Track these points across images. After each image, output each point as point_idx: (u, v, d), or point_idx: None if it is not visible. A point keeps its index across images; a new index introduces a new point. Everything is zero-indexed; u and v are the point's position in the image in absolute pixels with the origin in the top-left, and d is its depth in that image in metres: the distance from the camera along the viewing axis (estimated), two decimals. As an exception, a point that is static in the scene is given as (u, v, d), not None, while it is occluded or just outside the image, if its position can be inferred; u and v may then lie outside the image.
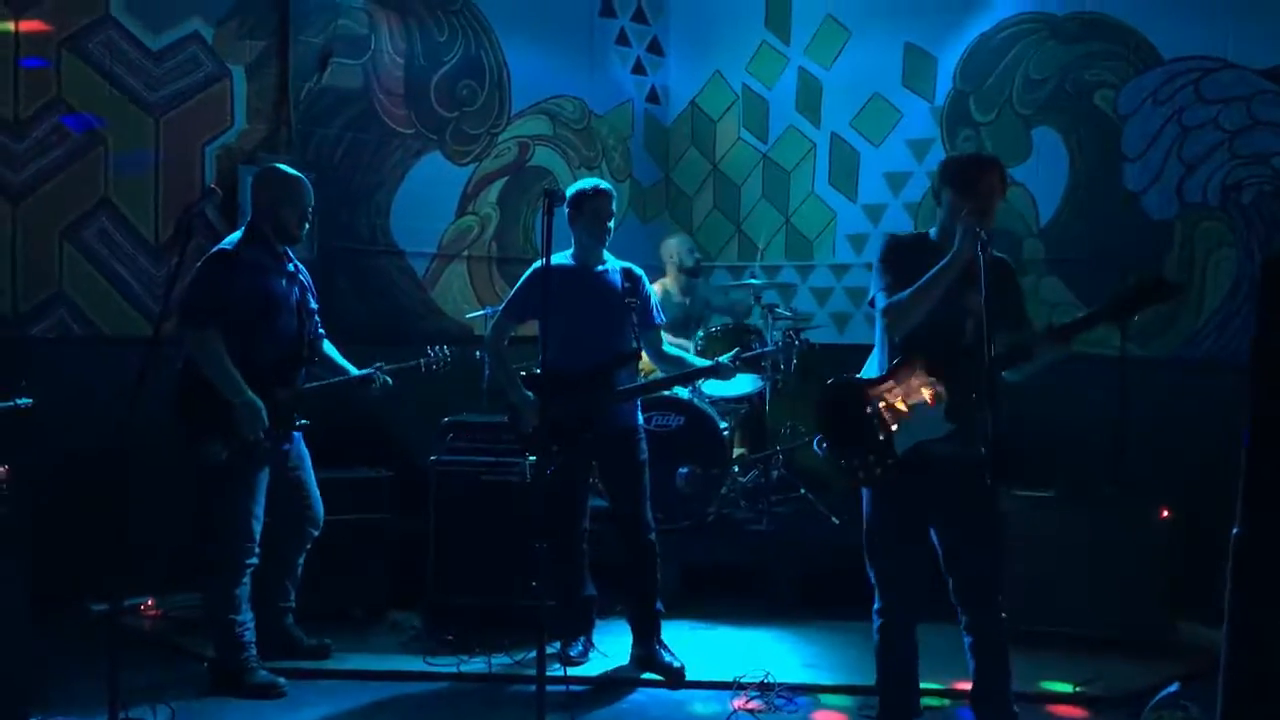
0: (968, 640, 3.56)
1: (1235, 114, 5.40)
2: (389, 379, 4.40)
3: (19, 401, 3.14)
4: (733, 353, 4.57)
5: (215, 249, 4.19)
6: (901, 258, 3.50)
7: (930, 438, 3.39)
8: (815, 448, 3.58)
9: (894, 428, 3.41)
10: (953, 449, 3.36)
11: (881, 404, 3.43)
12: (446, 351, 4.47)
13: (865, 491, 3.58)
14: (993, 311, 3.19)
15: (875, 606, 3.65)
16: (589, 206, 4.48)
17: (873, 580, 3.64)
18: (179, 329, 4.12)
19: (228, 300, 4.04)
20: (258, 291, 4.11)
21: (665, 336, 6.06)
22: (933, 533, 3.54)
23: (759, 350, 5.04)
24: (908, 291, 3.40)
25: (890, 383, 3.46)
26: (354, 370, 4.48)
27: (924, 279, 3.38)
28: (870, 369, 3.63)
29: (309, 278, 4.45)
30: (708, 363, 4.62)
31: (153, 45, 5.45)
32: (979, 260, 3.23)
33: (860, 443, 3.45)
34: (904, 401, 3.41)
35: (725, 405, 6.21)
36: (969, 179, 3.45)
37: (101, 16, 5.29)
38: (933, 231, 3.57)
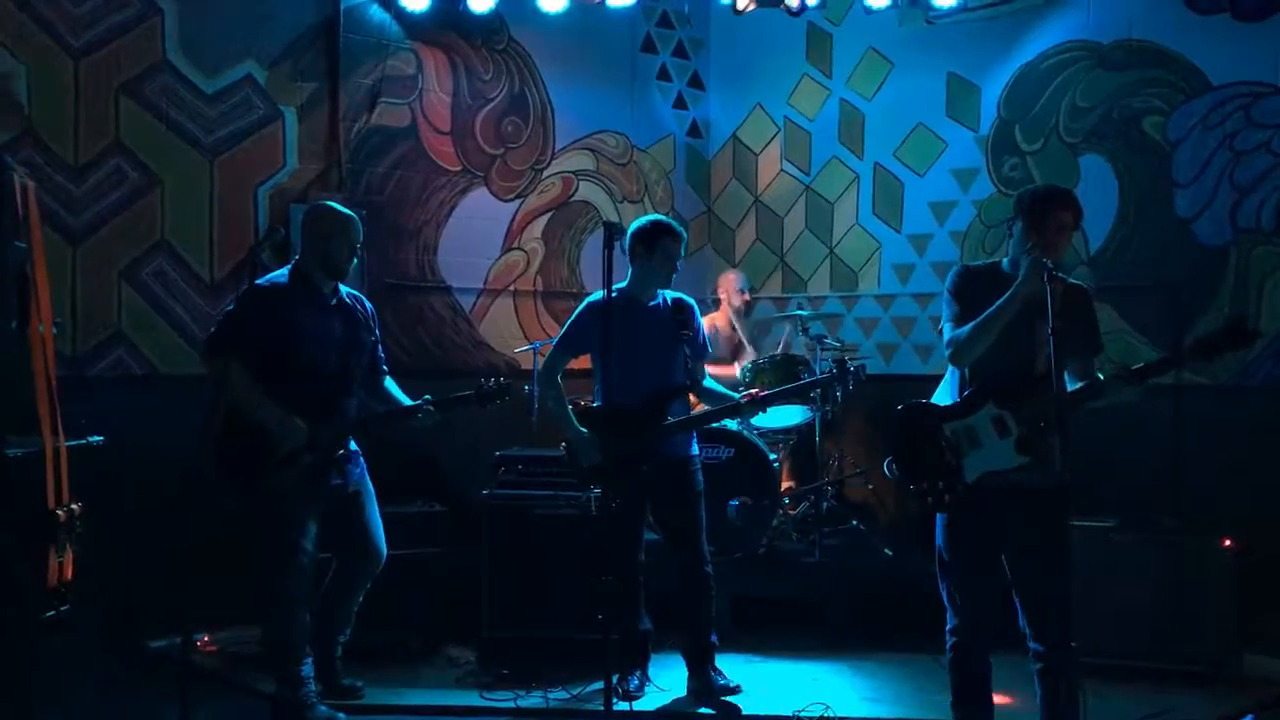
0: (1036, 667, 3.53)
1: (1288, 138, 5.37)
2: (433, 409, 4.37)
3: (91, 439, 3.18)
4: (749, 393, 4.56)
5: (248, 285, 4.26)
6: (970, 289, 3.52)
7: (999, 469, 3.38)
8: (886, 470, 3.60)
9: (964, 455, 3.43)
10: (1023, 478, 3.35)
11: (952, 431, 3.44)
12: (502, 380, 4.45)
13: (938, 517, 3.58)
14: (1062, 343, 3.18)
15: (948, 627, 3.63)
16: (662, 247, 4.49)
17: (945, 601, 3.62)
18: (202, 361, 4.18)
19: (251, 333, 4.09)
20: (286, 325, 4.15)
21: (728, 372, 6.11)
22: (1004, 559, 3.51)
23: (809, 379, 5.01)
24: (971, 324, 3.43)
25: (962, 410, 3.46)
26: (407, 402, 4.49)
27: (986, 313, 3.41)
28: (942, 395, 3.64)
29: (368, 310, 4.48)
30: (734, 397, 4.60)
31: (207, 89, 5.56)
32: (1046, 293, 3.22)
33: (931, 468, 3.47)
34: (975, 430, 3.42)
35: (774, 437, 6.19)
36: (1038, 212, 3.45)
37: (158, 61, 5.41)
38: (1005, 262, 3.56)
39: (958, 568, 3.55)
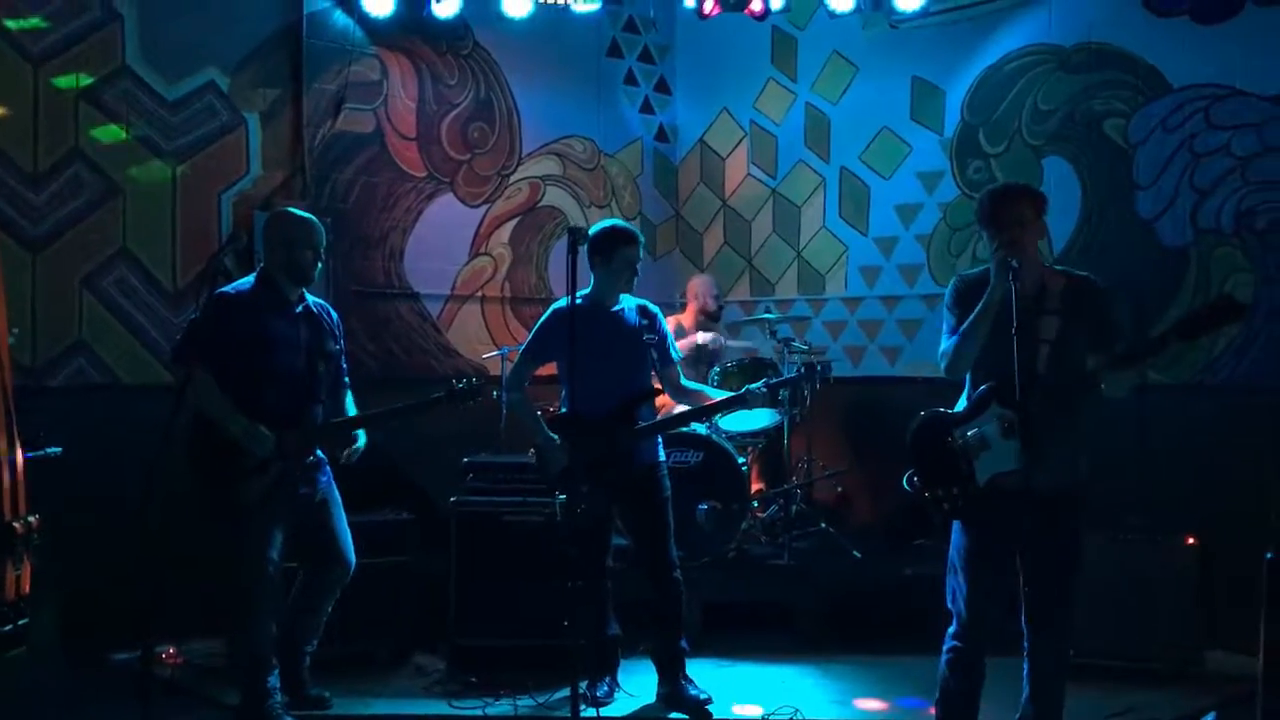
0: (1028, 665, 3.57)
1: (1246, 140, 5.42)
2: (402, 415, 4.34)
3: (49, 450, 3.14)
4: (762, 381, 4.55)
5: (214, 292, 4.23)
6: (965, 297, 3.57)
7: (1006, 470, 3.41)
8: (905, 484, 3.62)
9: (975, 459, 3.47)
10: (1028, 479, 3.34)
11: (962, 436, 3.49)
12: (473, 380, 4.42)
13: (955, 522, 3.60)
14: (1077, 335, 3.35)
15: (950, 630, 3.64)
16: (622, 255, 4.49)
17: (949, 604, 3.64)
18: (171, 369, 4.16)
19: (218, 341, 4.06)
20: (252, 332, 4.13)
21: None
22: (1016, 559, 3.55)
23: (783, 379, 5.02)
24: (954, 337, 3.48)
25: (970, 415, 3.51)
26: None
27: (966, 322, 3.46)
28: (961, 402, 3.67)
29: (333, 319, 4.45)
30: (729, 394, 4.60)
31: (169, 95, 5.51)
32: (1011, 293, 3.26)
33: (947, 475, 3.51)
34: (984, 433, 3.46)
35: (743, 440, 6.20)
36: (995, 212, 3.48)
37: (118, 67, 5.35)
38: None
39: (969, 572, 3.57)
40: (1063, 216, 5.99)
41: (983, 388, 3.52)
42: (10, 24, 5.02)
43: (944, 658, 3.65)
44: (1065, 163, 6.06)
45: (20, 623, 2.88)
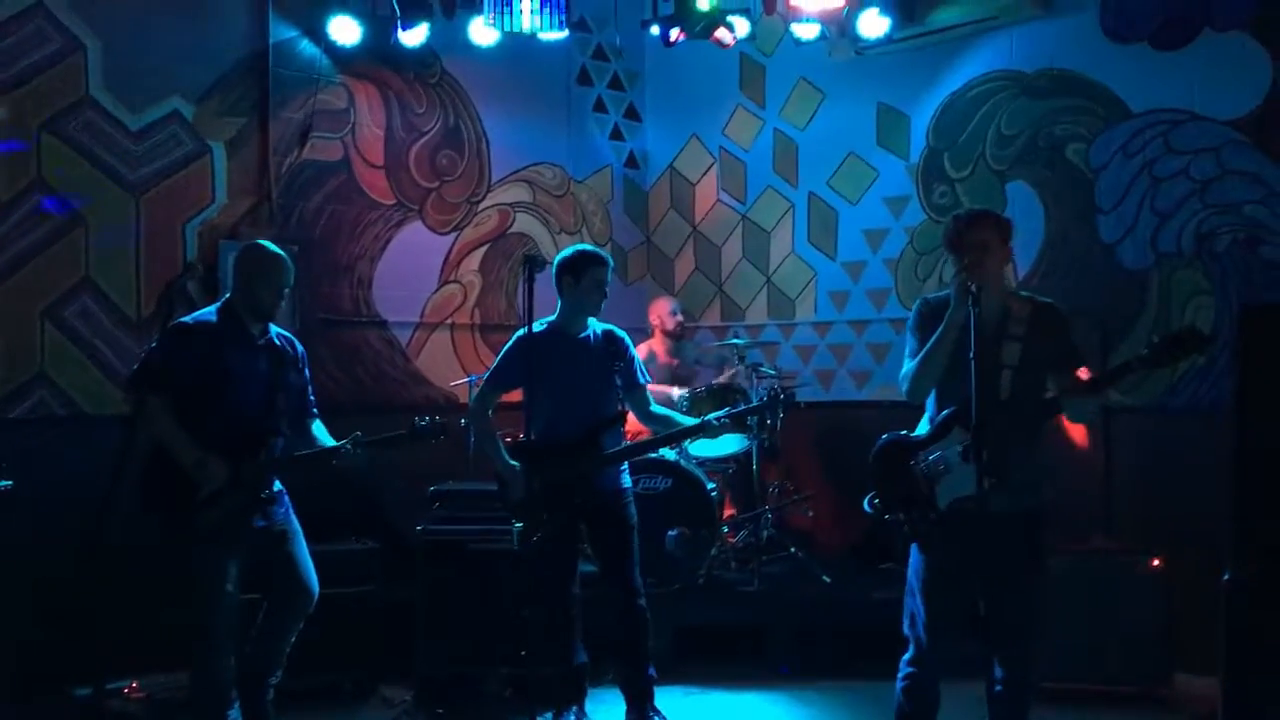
0: (992, 691, 3.56)
1: (1205, 164, 5.47)
2: (359, 451, 4.29)
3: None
4: (722, 411, 4.56)
5: (173, 322, 4.20)
6: (927, 321, 3.59)
7: (966, 494, 3.40)
8: (866, 506, 3.62)
9: (936, 483, 3.49)
10: (985, 504, 3.33)
11: (924, 460, 3.51)
12: (437, 419, 4.41)
13: (913, 546, 3.61)
14: (1039, 359, 3.36)
15: (906, 657, 3.64)
16: (591, 276, 4.48)
17: (905, 631, 3.63)
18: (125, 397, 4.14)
19: (175, 371, 4.04)
20: (211, 364, 4.10)
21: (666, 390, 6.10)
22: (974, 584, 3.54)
23: (745, 407, 5.03)
24: (915, 361, 3.50)
25: (932, 439, 3.52)
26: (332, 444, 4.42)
27: (927, 346, 3.48)
28: (923, 426, 3.68)
29: (298, 351, 4.43)
30: (695, 421, 4.61)
31: (132, 125, 5.48)
32: (970, 317, 3.28)
33: (907, 499, 3.53)
34: (945, 458, 3.48)
35: (713, 465, 6.20)
36: (958, 237, 3.51)
37: (81, 97, 5.32)
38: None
39: (927, 596, 3.57)
40: (1026, 241, 6.03)
41: (945, 412, 3.53)
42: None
43: (899, 684, 3.65)
44: (1028, 187, 6.12)
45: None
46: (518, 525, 4.03)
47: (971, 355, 3.28)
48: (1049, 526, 3.62)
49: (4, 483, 3.15)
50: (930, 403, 3.66)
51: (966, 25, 6.26)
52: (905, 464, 3.56)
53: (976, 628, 3.54)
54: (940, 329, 3.47)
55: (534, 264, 3.68)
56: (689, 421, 4.65)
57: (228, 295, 4.33)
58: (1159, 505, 5.32)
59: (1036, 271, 6.04)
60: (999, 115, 6.22)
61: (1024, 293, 3.67)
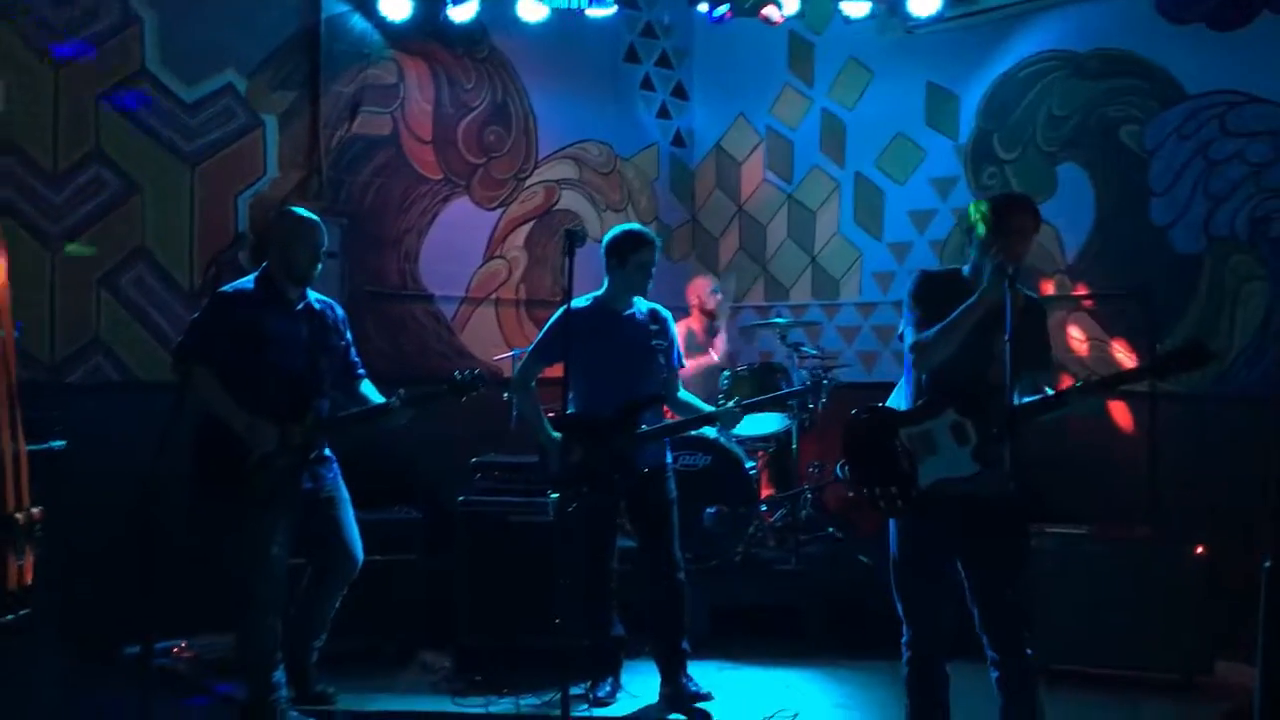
0: (994, 675, 3.52)
1: (1261, 147, 5.37)
2: (401, 405, 4.31)
3: (52, 444, 3.20)
4: (733, 400, 4.58)
5: (214, 292, 4.27)
6: (933, 293, 3.52)
7: (955, 475, 3.39)
8: (837, 472, 3.59)
9: (920, 461, 3.43)
10: (976, 486, 3.35)
11: (909, 436, 3.45)
12: (476, 371, 4.43)
13: (891, 523, 3.58)
14: (1019, 351, 3.20)
15: (904, 639, 3.62)
16: (637, 258, 4.51)
17: (900, 612, 3.62)
18: (171, 369, 4.21)
19: (217, 339, 4.12)
20: (252, 329, 4.17)
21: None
22: (959, 566, 3.52)
23: (787, 390, 5.03)
24: (935, 329, 3.43)
25: (920, 416, 3.47)
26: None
27: (951, 317, 3.41)
28: (896, 400, 3.64)
29: (339, 315, 4.49)
30: (711, 409, 4.61)
31: (187, 97, 5.59)
32: (1007, 300, 3.24)
33: (884, 473, 3.46)
34: (932, 436, 3.42)
35: (752, 444, 6.20)
36: (999, 217, 3.45)
37: (138, 70, 5.43)
38: (965, 269, 3.57)
39: (910, 574, 3.55)
40: (1076, 223, 5.97)
41: (939, 391, 3.47)
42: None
43: (904, 668, 3.62)
44: (1079, 169, 6.03)
45: (22, 613, 2.93)
46: (553, 496, 4.06)
47: (1007, 338, 3.24)
48: (1028, 506, 3.56)
49: (58, 443, 3.23)
50: (906, 379, 3.60)
51: (1019, 4, 6.20)
52: (887, 437, 3.47)
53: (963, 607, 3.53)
54: (969, 304, 3.38)
55: (574, 239, 3.70)
56: (707, 409, 4.65)
57: (265, 263, 4.40)
58: (1202, 493, 5.25)
59: (1086, 254, 5.98)
60: (1051, 96, 6.14)
61: (1017, 285, 3.59)
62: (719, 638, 5.37)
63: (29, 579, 2.94)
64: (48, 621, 3.07)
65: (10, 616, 2.88)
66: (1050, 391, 3.36)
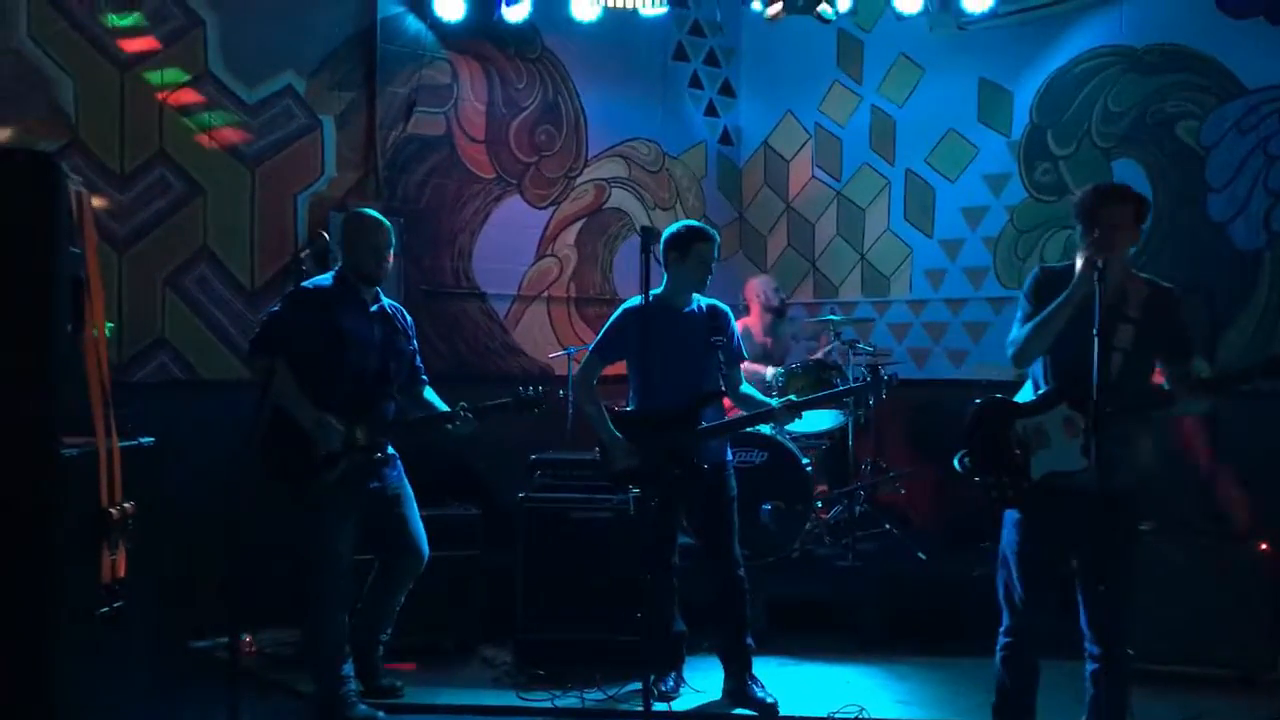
0: (1090, 669, 3.55)
1: (1323, 142, 5.35)
2: (470, 415, 4.42)
3: (141, 440, 3.25)
4: (785, 398, 4.58)
5: (291, 288, 4.34)
6: (1045, 289, 3.54)
7: (1066, 469, 3.41)
8: (956, 463, 3.63)
9: (1032, 453, 3.47)
10: (1088, 481, 3.34)
11: (1024, 428, 3.50)
12: (539, 389, 4.51)
13: (1006, 514, 3.61)
14: (1150, 341, 3.30)
15: (1001, 628, 3.65)
16: (696, 252, 4.51)
17: (1000, 601, 3.64)
18: (245, 362, 4.27)
19: (293, 334, 4.17)
20: (327, 328, 4.22)
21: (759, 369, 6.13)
22: (1070, 559, 3.54)
23: (826, 392, 5.03)
24: (1028, 325, 3.47)
25: (1036, 408, 3.51)
26: (444, 409, 4.54)
27: (1043, 313, 3.45)
28: (1025, 394, 3.68)
29: (407, 321, 4.55)
30: (771, 403, 4.61)
31: (248, 98, 5.66)
32: (1095, 293, 3.24)
33: (1000, 463, 3.52)
34: (1045, 429, 3.46)
35: (807, 441, 6.22)
36: (1091, 210, 3.45)
37: (201, 72, 5.51)
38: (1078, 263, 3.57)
39: (1020, 566, 3.57)
40: (1133, 219, 5.93)
41: (1053, 385, 3.51)
42: (112, 19, 5.20)
43: (998, 655, 3.66)
44: (1136, 165, 6.01)
45: (116, 605, 2.99)
46: (635, 492, 4.08)
47: (1095, 332, 3.26)
48: (1143, 507, 3.59)
49: (146, 439, 3.29)
50: (1037, 371, 3.63)
51: (1074, 0, 6.16)
52: (1003, 428, 3.54)
53: (1071, 602, 3.54)
54: (1059, 300, 3.42)
55: (649, 236, 3.73)
56: (771, 403, 4.66)
57: (339, 264, 4.46)
58: (1268, 489, 5.21)
59: (1144, 250, 5.92)
60: (1106, 91, 6.11)
61: (1144, 275, 3.58)
62: (777, 633, 5.38)
63: (122, 573, 3.00)
64: (139, 618, 3.13)
65: (106, 610, 2.94)
66: (1204, 377, 3.39)
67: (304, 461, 4.15)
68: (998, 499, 3.56)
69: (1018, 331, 3.55)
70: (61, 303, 2.91)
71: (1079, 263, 3.39)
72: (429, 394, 4.59)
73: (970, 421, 3.62)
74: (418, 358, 4.60)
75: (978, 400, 3.65)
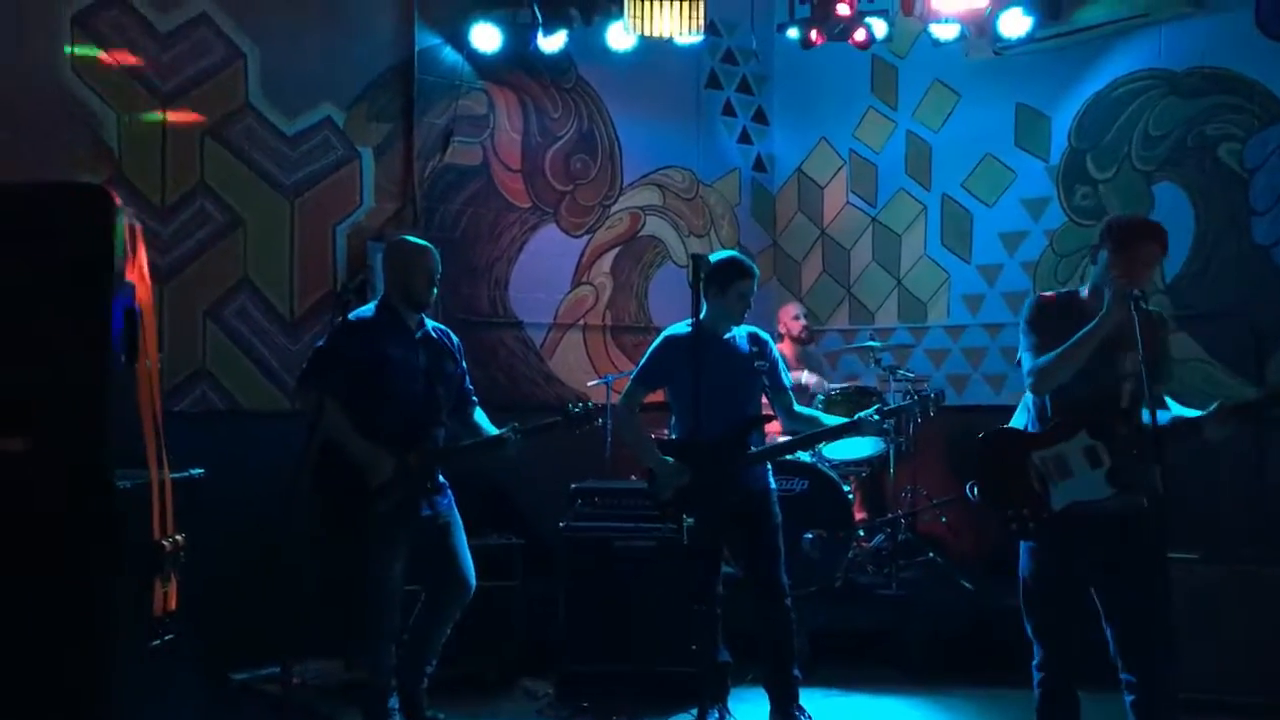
0: (1129, 699, 3.46)
1: (1368, 165, 5.29)
2: (518, 436, 4.40)
3: (192, 472, 3.26)
4: (874, 408, 4.54)
5: (338, 320, 4.34)
6: (1050, 318, 3.50)
7: (1091, 499, 3.35)
8: (968, 493, 3.57)
9: (1052, 484, 3.41)
10: (1114, 506, 3.32)
11: (1041, 459, 3.43)
12: (590, 404, 4.48)
13: (1023, 545, 3.55)
14: (1152, 370, 3.18)
15: (1034, 662, 3.58)
16: (736, 289, 4.49)
17: (1030, 635, 3.57)
18: (294, 396, 4.27)
19: (342, 366, 4.16)
20: (373, 357, 4.21)
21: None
22: (1093, 588, 3.47)
23: (896, 407, 4.99)
24: (1054, 353, 3.42)
25: (1052, 439, 3.45)
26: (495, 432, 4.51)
27: (1072, 340, 3.39)
28: (1018, 422, 3.63)
29: (454, 342, 4.54)
30: (843, 420, 4.58)
31: (288, 130, 5.70)
32: (1134, 322, 3.21)
33: (1016, 495, 3.45)
34: (1065, 459, 3.40)
35: (846, 468, 6.17)
36: (1128, 243, 3.42)
37: (241, 105, 5.55)
38: (1083, 290, 3.54)
39: (1042, 596, 3.51)
40: (1175, 243, 5.70)
41: (1069, 414, 3.45)
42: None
43: (1035, 690, 3.58)
44: (1178, 188, 5.96)
45: (167, 638, 2.98)
46: (689, 521, 4.05)
47: (1141, 359, 3.22)
48: (1169, 529, 3.49)
49: (196, 471, 3.29)
50: (1029, 401, 3.59)
51: (1113, 23, 6.14)
52: (1019, 459, 3.47)
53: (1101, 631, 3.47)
54: (1091, 327, 3.37)
55: (701, 264, 3.72)
56: (835, 421, 4.63)
57: (382, 293, 4.46)
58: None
59: (1185, 274, 5.89)
60: (1146, 115, 6.08)
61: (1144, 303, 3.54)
62: (821, 664, 5.30)
63: (173, 604, 3.00)
64: (190, 649, 3.12)
65: (157, 642, 2.93)
66: (1172, 403, 3.33)
67: (356, 493, 4.14)
68: (1018, 531, 3.49)
69: (1037, 361, 3.45)
70: (116, 334, 2.92)
71: (1108, 292, 3.35)
72: (479, 416, 4.57)
73: (983, 452, 3.57)
74: (467, 379, 4.59)
75: (985, 432, 3.59)
